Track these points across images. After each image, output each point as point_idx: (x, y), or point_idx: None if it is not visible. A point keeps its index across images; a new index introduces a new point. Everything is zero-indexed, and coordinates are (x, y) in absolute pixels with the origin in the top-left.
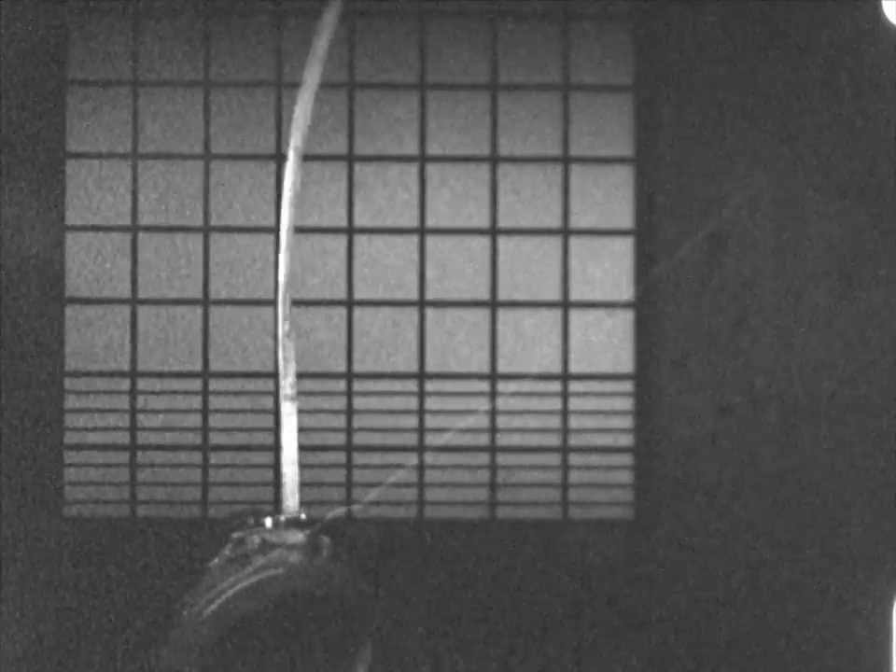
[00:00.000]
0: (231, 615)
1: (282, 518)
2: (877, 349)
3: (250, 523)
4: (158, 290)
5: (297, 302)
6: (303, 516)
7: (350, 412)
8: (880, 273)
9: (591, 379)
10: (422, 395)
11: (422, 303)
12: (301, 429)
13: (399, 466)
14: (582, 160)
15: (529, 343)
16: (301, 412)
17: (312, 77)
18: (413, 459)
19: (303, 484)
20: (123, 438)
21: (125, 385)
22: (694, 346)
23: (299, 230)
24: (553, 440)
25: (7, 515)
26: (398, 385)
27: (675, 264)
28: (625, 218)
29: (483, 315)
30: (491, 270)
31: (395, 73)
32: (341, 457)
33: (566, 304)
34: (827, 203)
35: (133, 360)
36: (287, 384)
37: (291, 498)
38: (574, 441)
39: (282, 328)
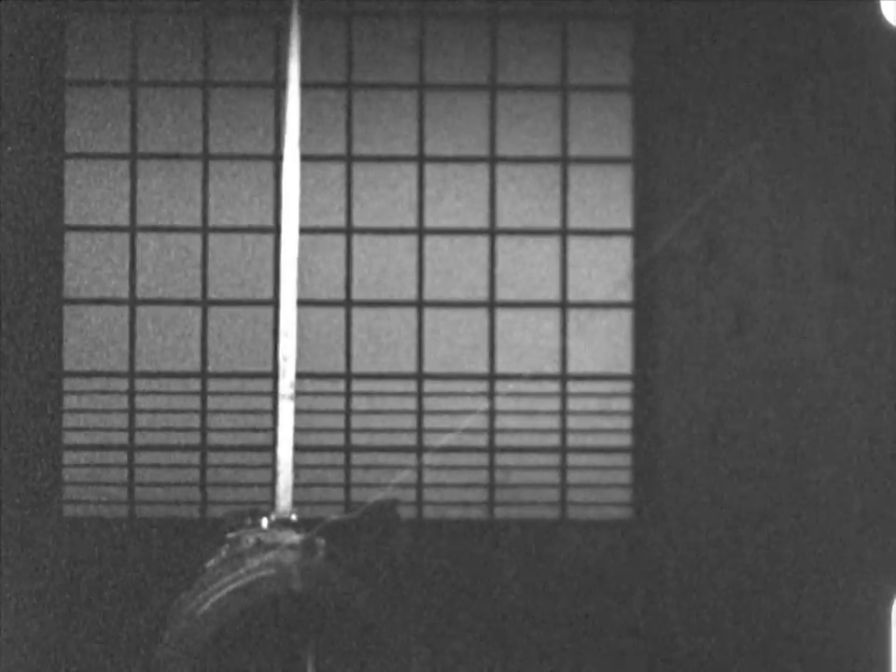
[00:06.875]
0: (225, 615)
1: (275, 518)
2: (877, 348)
3: (247, 523)
4: (157, 290)
5: (297, 302)
6: (294, 517)
7: (349, 412)
8: (878, 271)
9: (589, 379)
10: (421, 395)
11: (421, 303)
12: (299, 430)
13: (398, 467)
14: (581, 160)
15: (528, 343)
16: (300, 412)
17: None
18: (411, 460)
19: (302, 485)
20: (122, 438)
21: (124, 385)
22: (693, 347)
23: (299, 230)
24: (552, 440)
25: (6, 515)
26: (397, 386)
27: (674, 234)
28: (624, 218)
29: (482, 315)
30: (490, 270)
31: (395, 73)
32: (339, 458)
33: (565, 304)
34: (825, 203)
35: (132, 360)
36: (286, 383)
37: (284, 498)
38: (573, 441)
39: (282, 326)
